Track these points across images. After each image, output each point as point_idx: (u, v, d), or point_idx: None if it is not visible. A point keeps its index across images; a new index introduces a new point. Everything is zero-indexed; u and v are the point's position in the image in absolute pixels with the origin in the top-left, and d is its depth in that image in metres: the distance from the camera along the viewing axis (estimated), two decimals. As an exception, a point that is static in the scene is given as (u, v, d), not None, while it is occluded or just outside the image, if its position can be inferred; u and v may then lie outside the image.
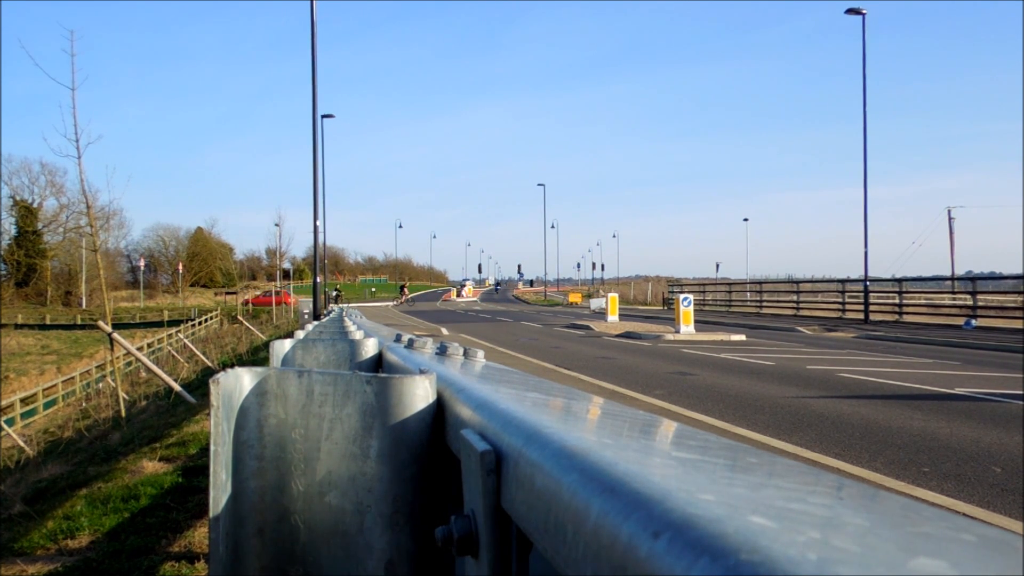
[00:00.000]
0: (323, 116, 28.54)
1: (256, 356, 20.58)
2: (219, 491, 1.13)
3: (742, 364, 12.56)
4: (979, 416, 7.37)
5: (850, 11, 24.58)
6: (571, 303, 59.96)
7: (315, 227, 20.15)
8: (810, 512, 0.43)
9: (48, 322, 59.32)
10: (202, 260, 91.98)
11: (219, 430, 1.13)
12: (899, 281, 27.49)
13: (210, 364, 19.91)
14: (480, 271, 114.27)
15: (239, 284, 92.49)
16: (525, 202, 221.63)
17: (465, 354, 1.85)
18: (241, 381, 1.20)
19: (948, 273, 42.95)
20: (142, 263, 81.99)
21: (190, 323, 45.67)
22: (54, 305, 68.69)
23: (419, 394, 1.17)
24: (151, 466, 6.54)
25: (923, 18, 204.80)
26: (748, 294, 39.30)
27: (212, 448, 1.12)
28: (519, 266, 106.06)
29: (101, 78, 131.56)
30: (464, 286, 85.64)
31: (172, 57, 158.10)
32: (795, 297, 33.10)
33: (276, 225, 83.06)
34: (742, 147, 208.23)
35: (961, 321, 22.38)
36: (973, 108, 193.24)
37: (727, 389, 9.51)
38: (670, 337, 19.11)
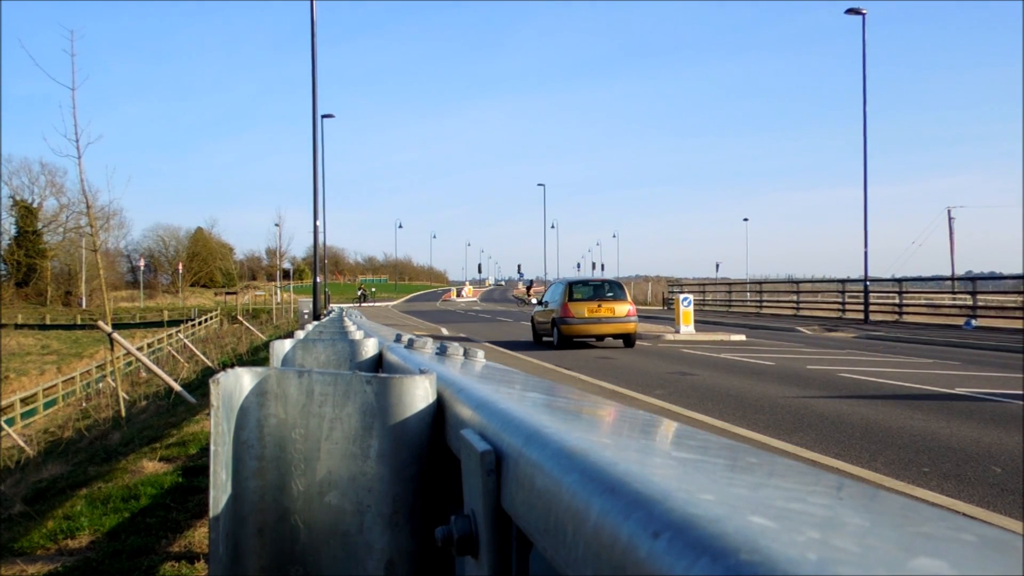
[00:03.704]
0: (323, 116, 28.51)
1: (256, 356, 20.59)
2: (219, 491, 1.13)
3: (742, 364, 12.56)
4: (979, 416, 7.37)
5: (850, 11, 24.57)
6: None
7: (315, 227, 20.16)
8: (810, 512, 0.43)
9: (48, 322, 59.34)
10: (202, 260, 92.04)
11: (219, 430, 1.13)
12: (899, 281, 27.49)
13: (210, 364, 19.92)
14: (480, 271, 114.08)
15: (239, 284, 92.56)
16: (525, 202, 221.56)
17: (465, 354, 1.85)
18: (241, 381, 1.20)
19: (948, 273, 42.93)
20: (142, 263, 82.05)
21: (190, 323, 45.68)
22: (54, 305, 68.72)
23: (419, 394, 1.17)
24: (151, 466, 6.54)
25: (923, 18, 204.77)
26: (748, 294, 39.28)
27: (212, 448, 1.12)
28: (519, 266, 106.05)
29: (101, 78, 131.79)
30: (463, 287, 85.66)
31: (172, 57, 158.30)
32: (795, 297, 33.10)
33: (276, 225, 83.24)
34: (742, 147, 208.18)
35: (961, 321, 22.37)
36: (973, 108, 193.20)
37: (727, 389, 9.52)
38: (670, 337, 19.11)
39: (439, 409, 1.18)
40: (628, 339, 16.20)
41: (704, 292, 41.46)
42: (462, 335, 20.93)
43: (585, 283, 17.12)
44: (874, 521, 0.42)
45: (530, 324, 17.93)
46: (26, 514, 5.44)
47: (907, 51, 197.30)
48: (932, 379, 10.35)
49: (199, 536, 4.56)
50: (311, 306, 20.91)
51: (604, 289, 16.56)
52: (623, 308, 15.95)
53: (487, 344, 17.36)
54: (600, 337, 16.24)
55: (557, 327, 16.06)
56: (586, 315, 15.67)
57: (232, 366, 1.22)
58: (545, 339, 17.15)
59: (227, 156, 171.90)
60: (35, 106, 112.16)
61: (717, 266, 76.25)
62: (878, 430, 6.75)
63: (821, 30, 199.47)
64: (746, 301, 37.62)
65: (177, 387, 12.32)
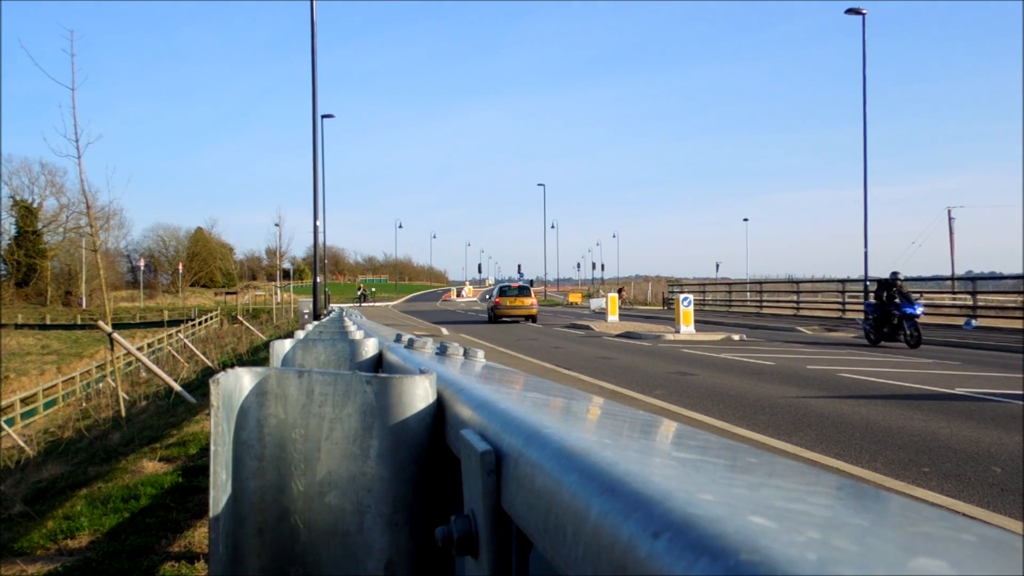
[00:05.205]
0: (323, 116, 28.54)
1: (256, 356, 20.59)
2: (219, 491, 1.13)
3: (742, 364, 12.56)
4: (979, 416, 7.37)
5: (850, 11, 24.62)
6: (571, 303, 59.99)
7: (315, 227, 20.17)
8: (810, 512, 0.43)
9: (48, 322, 59.34)
10: (202, 260, 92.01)
11: (219, 430, 1.13)
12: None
13: (210, 364, 19.91)
14: (480, 271, 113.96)
15: (239, 284, 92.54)
16: (525, 202, 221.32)
17: (465, 354, 1.85)
18: (241, 381, 1.20)
19: (948, 273, 42.92)
20: (142, 263, 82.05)
21: (190, 323, 45.68)
22: (54, 305, 68.71)
23: (419, 394, 1.17)
24: (151, 466, 6.54)
25: (923, 18, 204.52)
26: (748, 294, 39.30)
27: (212, 448, 1.12)
28: (519, 266, 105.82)
29: (101, 78, 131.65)
30: (463, 287, 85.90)
31: (172, 57, 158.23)
32: (795, 297, 33.11)
33: (276, 225, 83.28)
34: (742, 147, 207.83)
35: (961, 321, 22.36)
36: (973, 108, 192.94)
37: (727, 389, 9.51)
38: (670, 337, 19.11)
39: (439, 409, 1.18)
40: (532, 318, 28.45)
41: (704, 292, 41.47)
42: (463, 335, 20.95)
43: (509, 286, 29.94)
44: (874, 521, 0.42)
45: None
46: (26, 514, 5.44)
47: (907, 51, 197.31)
48: (932, 379, 10.35)
49: (199, 536, 4.56)
50: (311, 306, 20.92)
51: (519, 290, 29.28)
52: (529, 301, 28.55)
53: (487, 344, 17.38)
54: (516, 317, 28.67)
55: (493, 310, 29.12)
56: (507, 304, 28.53)
57: (232, 366, 1.22)
58: (492, 319, 29.28)
59: (227, 156, 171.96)
60: (35, 106, 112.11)
61: (717, 266, 76.36)
62: (878, 430, 6.75)
63: (821, 30, 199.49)
64: (746, 301, 37.63)
65: (177, 387, 12.32)
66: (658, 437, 0.83)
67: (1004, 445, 6.07)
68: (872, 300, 17.12)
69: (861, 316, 17.93)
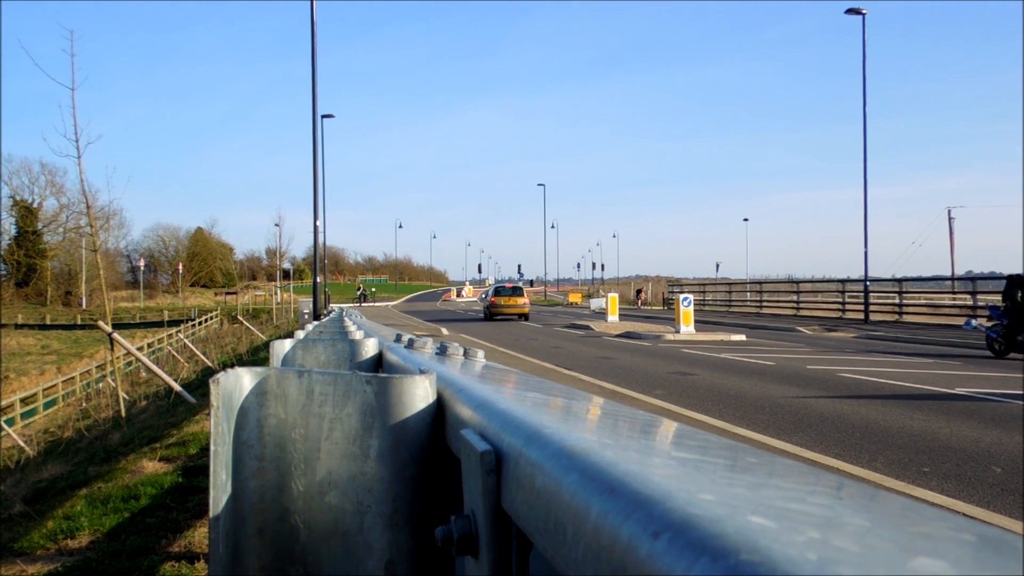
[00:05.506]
0: (323, 116, 28.53)
1: (256, 356, 20.58)
2: (219, 491, 1.13)
3: (742, 364, 12.56)
4: (979, 416, 7.37)
5: (850, 11, 24.60)
6: (571, 303, 59.99)
7: (315, 227, 20.17)
8: (810, 512, 0.43)
9: (48, 322, 59.35)
10: (202, 260, 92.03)
11: (219, 430, 1.13)
12: (899, 281, 27.48)
13: (210, 364, 19.90)
14: (480, 271, 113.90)
15: (239, 284, 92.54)
16: (525, 202, 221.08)
17: (465, 354, 1.85)
18: (241, 381, 1.20)
19: (948, 273, 42.90)
20: (142, 263, 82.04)
21: (190, 323, 45.67)
22: (54, 305, 68.71)
23: (419, 394, 1.17)
24: (151, 466, 6.54)
25: (923, 18, 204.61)
26: (748, 294, 39.28)
27: (212, 448, 1.12)
28: (519, 266, 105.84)
29: (101, 78, 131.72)
30: (463, 287, 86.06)
31: (172, 57, 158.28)
32: (795, 297, 33.10)
33: (276, 225, 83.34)
34: (742, 147, 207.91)
35: (961, 321, 22.33)
36: (973, 108, 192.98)
37: (727, 389, 9.51)
38: (670, 337, 19.11)
39: (439, 409, 1.18)
40: (525, 316, 30.95)
41: (704, 292, 41.46)
42: (463, 335, 20.94)
43: (503, 287, 32.83)
44: (874, 521, 0.42)
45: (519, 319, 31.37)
46: (26, 514, 5.44)
47: (907, 51, 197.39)
48: (932, 379, 10.35)
49: (199, 536, 4.56)
50: (311, 306, 20.91)
51: (513, 290, 32.04)
52: (522, 300, 31.17)
53: (487, 344, 17.38)
54: (510, 315, 30.91)
55: (488, 309, 31.50)
56: (502, 303, 31.00)
57: (232, 366, 1.21)
58: (487, 317, 31.50)
59: (227, 156, 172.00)
60: (35, 106, 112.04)
61: (717, 266, 76.35)
62: (878, 430, 6.75)
63: (821, 30, 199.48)
64: (746, 301, 37.62)
65: (177, 387, 12.32)
66: (658, 437, 0.83)
67: (1004, 445, 6.07)
68: (1000, 302, 14.13)
69: (985, 322, 14.62)
